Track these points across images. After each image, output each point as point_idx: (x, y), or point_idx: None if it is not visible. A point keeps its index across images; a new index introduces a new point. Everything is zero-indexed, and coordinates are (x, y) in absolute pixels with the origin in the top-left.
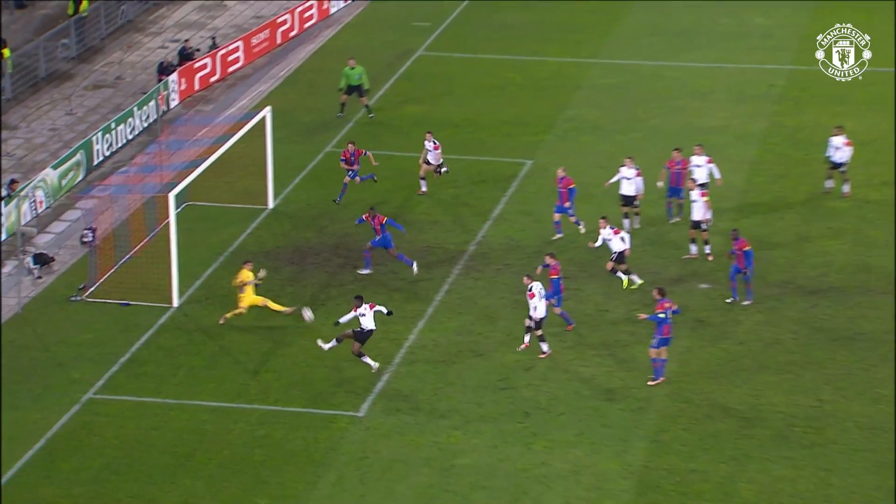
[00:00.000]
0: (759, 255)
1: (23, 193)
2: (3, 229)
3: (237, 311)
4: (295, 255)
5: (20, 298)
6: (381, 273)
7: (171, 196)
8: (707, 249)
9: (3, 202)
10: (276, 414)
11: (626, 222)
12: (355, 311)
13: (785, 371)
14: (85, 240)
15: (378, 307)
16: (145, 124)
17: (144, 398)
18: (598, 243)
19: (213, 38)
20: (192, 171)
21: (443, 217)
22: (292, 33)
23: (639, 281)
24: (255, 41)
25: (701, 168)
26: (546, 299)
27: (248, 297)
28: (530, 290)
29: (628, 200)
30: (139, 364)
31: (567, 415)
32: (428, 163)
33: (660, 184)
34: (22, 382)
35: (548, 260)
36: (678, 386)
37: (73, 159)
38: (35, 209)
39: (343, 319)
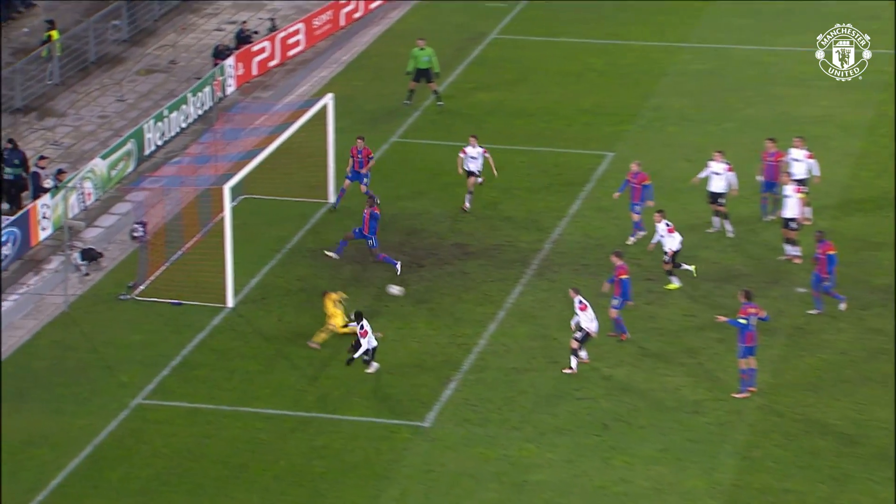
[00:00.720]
0: (863, 257)
1: (70, 185)
2: (50, 223)
3: (331, 330)
4: (357, 253)
5: (67, 296)
6: (449, 273)
7: (227, 189)
8: (794, 251)
9: (49, 194)
10: (336, 423)
11: (715, 221)
12: (363, 335)
13: (891, 384)
14: (135, 235)
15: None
16: (200, 112)
17: (196, 404)
18: (654, 240)
19: (273, 19)
20: (248, 163)
21: (515, 213)
22: (357, 15)
23: (678, 283)
24: (316, 23)
25: (800, 163)
26: (616, 301)
27: (339, 317)
28: (581, 302)
29: (716, 198)
30: (191, 368)
31: (649, 428)
32: (471, 173)
33: (759, 178)
34: (68, 386)
35: (614, 259)
36: (771, 398)
37: (124, 149)
38: (83, 202)
39: (358, 353)
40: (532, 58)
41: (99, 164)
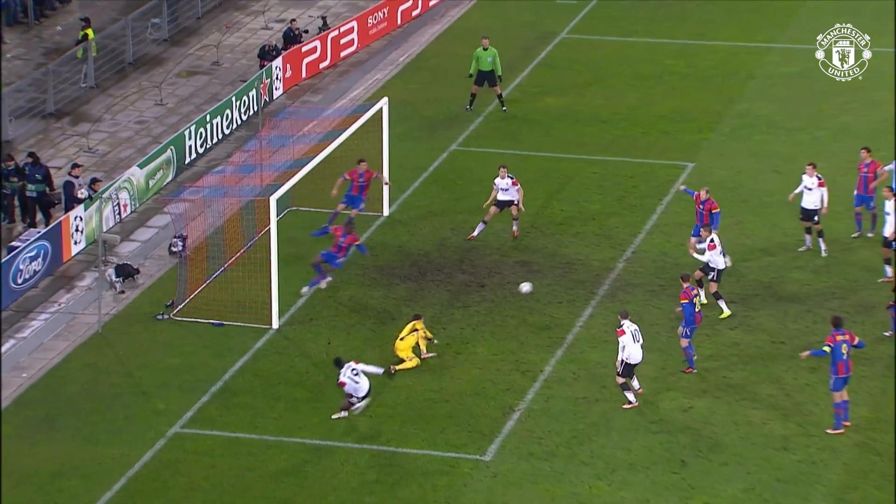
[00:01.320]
0: None
1: (105, 195)
2: (83, 236)
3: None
4: (413, 270)
5: (100, 316)
6: (513, 294)
7: (273, 200)
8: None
9: (83, 205)
10: (389, 456)
11: (807, 239)
12: (341, 386)
13: None
14: (174, 249)
15: (365, 367)
16: (244, 117)
17: (238, 434)
18: (703, 257)
19: (324, 17)
20: (296, 172)
21: (586, 228)
22: (414, 12)
23: (727, 311)
24: (371, 21)
25: None
26: (682, 330)
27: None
28: (620, 326)
29: (808, 215)
30: (233, 394)
31: (733, 465)
32: (499, 204)
33: (855, 192)
34: (100, 412)
35: (681, 282)
36: (869, 435)
37: (163, 157)
38: (119, 213)
39: (356, 407)
40: (605, 59)
41: (136, 174)
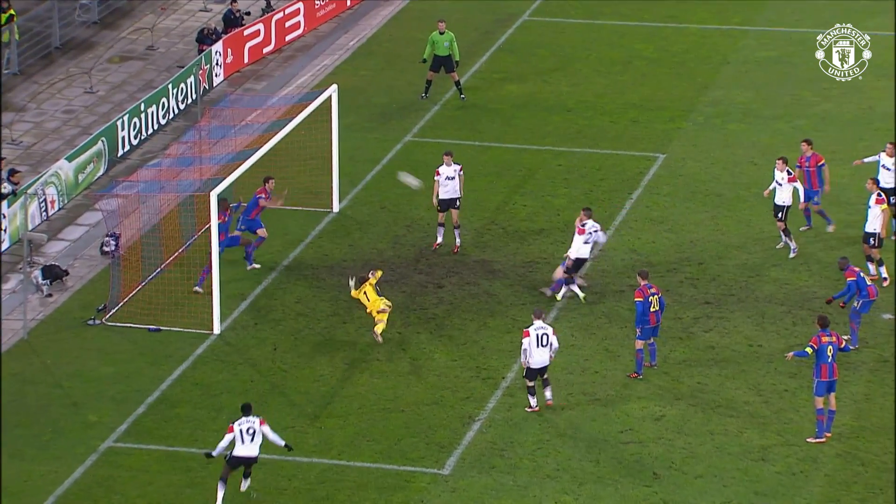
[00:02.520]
0: None
1: (31, 191)
2: (6, 235)
3: (379, 318)
4: (365, 270)
5: (26, 321)
6: (473, 295)
7: (214, 196)
8: (882, 272)
9: (6, 201)
10: (341, 470)
11: (783, 236)
12: (231, 431)
13: None
14: (106, 249)
15: (270, 433)
16: (182, 106)
17: (177, 447)
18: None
19: None
20: (239, 165)
21: (550, 225)
22: None
23: (581, 294)
24: (318, 2)
25: (889, 171)
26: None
27: (371, 299)
28: (527, 327)
29: (778, 212)
30: (171, 405)
31: (707, 477)
32: (441, 205)
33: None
34: (26, 426)
35: (639, 278)
36: (853, 444)
37: (93, 149)
38: (45, 210)
39: (217, 450)
40: (570, 43)
41: (64, 167)
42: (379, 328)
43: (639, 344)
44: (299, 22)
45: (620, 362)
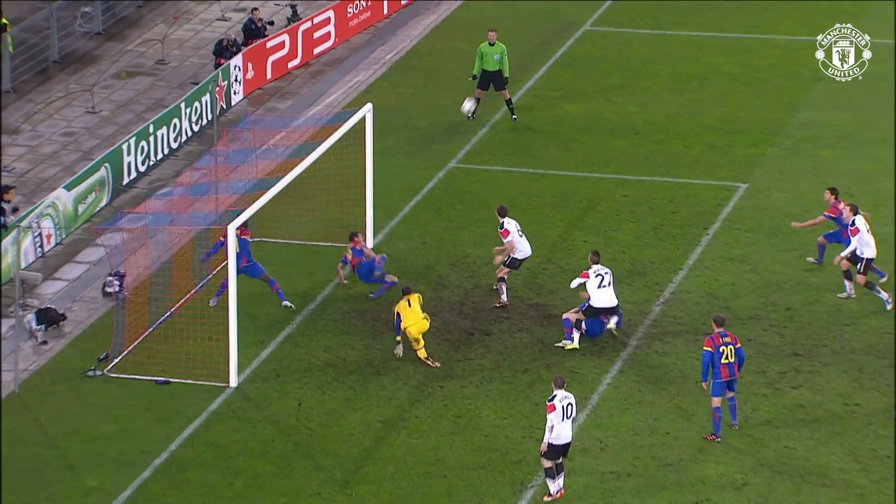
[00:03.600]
0: None
1: (24, 224)
2: None
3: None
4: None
5: (17, 372)
6: (526, 344)
7: (232, 229)
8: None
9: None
10: None
11: (846, 285)
12: None
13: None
14: (109, 290)
15: None
16: (196, 128)
17: None
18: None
19: (293, 6)
20: (261, 195)
21: (615, 263)
22: (404, 1)
23: (572, 344)
24: (351, 11)
25: None
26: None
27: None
28: (551, 399)
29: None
30: (181, 468)
31: None
32: (516, 263)
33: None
34: (17, 492)
35: (714, 325)
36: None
37: (95, 176)
38: (40, 246)
39: None
40: (638, 57)
41: (62, 197)
42: (423, 353)
43: (715, 402)
44: (329, 32)
45: (695, 422)
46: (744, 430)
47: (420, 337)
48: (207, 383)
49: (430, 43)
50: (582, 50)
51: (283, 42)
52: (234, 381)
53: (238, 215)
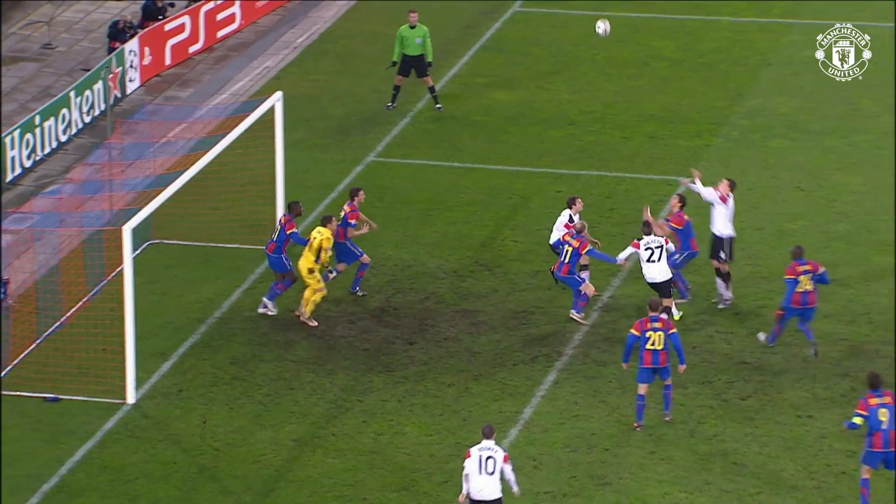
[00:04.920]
0: None
1: None
2: None
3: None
4: (318, 322)
5: None
6: (452, 353)
7: (127, 230)
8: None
9: None
10: None
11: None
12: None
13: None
14: None
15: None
16: (88, 119)
17: None
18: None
19: None
20: (159, 193)
21: (550, 265)
22: None
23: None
24: None
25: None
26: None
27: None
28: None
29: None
30: (73, 494)
31: None
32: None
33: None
34: None
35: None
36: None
37: None
38: None
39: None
40: (573, 40)
41: None
42: (309, 309)
43: (640, 388)
44: (234, 14)
45: (636, 437)
46: (689, 445)
47: (307, 282)
48: (102, 400)
49: (345, 25)
50: (511, 33)
51: (184, 24)
52: (131, 397)
53: (134, 215)
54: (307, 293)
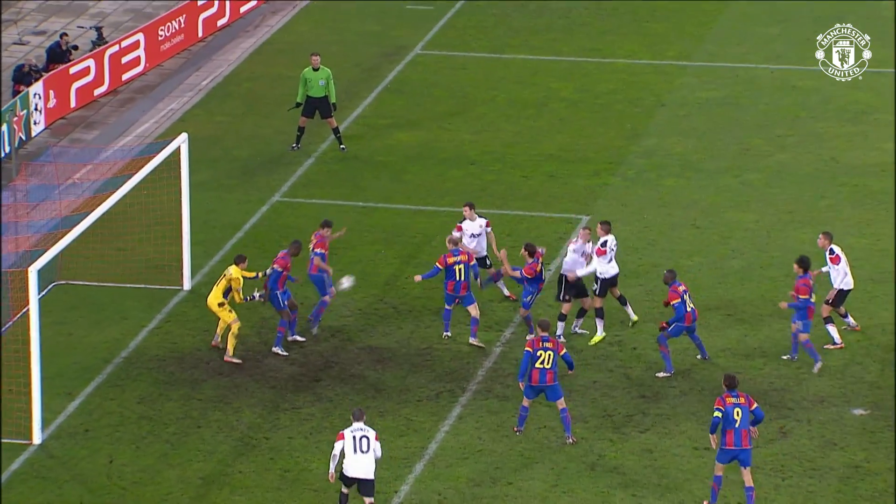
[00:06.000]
0: None
1: None
2: None
3: (230, 327)
4: (223, 361)
5: None
6: (357, 390)
7: (33, 272)
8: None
9: None
10: None
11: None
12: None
13: None
14: None
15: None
16: None
17: None
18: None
19: (99, 28)
20: (65, 234)
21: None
22: (221, 21)
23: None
24: (162, 34)
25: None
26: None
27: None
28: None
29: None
30: None
31: None
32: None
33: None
34: None
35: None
36: None
37: None
38: None
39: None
40: (472, 82)
41: None
42: (231, 346)
43: (524, 401)
44: (139, 57)
45: (538, 470)
46: (589, 478)
47: (220, 315)
48: (8, 440)
49: (249, 68)
50: (413, 75)
51: (89, 67)
52: (37, 437)
53: (40, 256)
54: (225, 330)
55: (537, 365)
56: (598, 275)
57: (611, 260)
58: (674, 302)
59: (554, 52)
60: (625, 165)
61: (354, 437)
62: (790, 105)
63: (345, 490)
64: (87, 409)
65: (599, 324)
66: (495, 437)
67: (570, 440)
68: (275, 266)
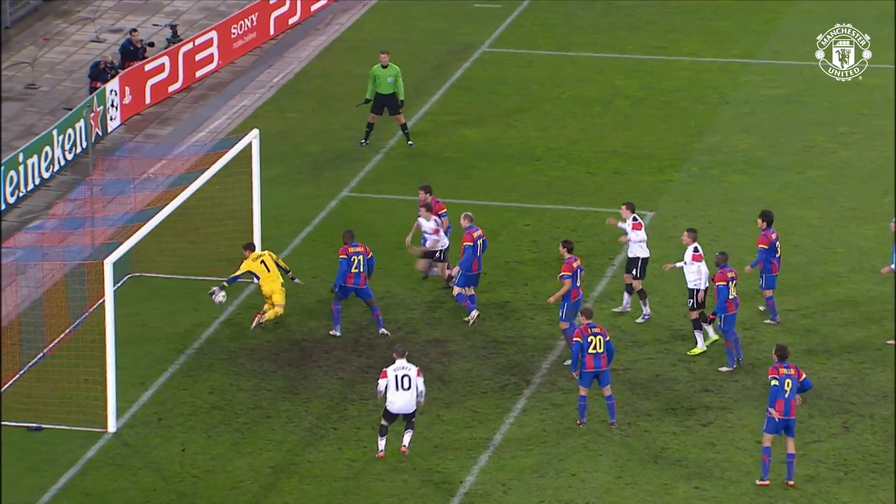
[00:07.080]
0: None
1: None
2: None
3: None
4: (294, 353)
5: None
6: (425, 382)
7: (109, 264)
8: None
9: None
10: None
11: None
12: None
13: None
14: None
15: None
16: (70, 156)
17: None
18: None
19: (173, 26)
20: (139, 228)
21: (516, 296)
22: (293, 20)
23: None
24: (235, 31)
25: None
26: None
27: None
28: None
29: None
30: None
31: None
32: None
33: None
34: None
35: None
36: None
37: None
38: None
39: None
40: (539, 80)
41: None
42: (269, 315)
43: (581, 391)
44: (212, 55)
45: (602, 462)
46: (652, 470)
47: (275, 300)
48: (84, 429)
49: (319, 65)
50: (480, 72)
51: (163, 65)
52: (112, 426)
53: (115, 249)
54: (271, 307)
55: (590, 351)
56: (640, 256)
57: (643, 241)
58: (719, 283)
59: (619, 50)
60: (689, 162)
61: (396, 376)
62: (853, 102)
63: (384, 423)
64: (161, 399)
65: (642, 304)
66: (559, 428)
67: (615, 424)
68: (368, 255)
